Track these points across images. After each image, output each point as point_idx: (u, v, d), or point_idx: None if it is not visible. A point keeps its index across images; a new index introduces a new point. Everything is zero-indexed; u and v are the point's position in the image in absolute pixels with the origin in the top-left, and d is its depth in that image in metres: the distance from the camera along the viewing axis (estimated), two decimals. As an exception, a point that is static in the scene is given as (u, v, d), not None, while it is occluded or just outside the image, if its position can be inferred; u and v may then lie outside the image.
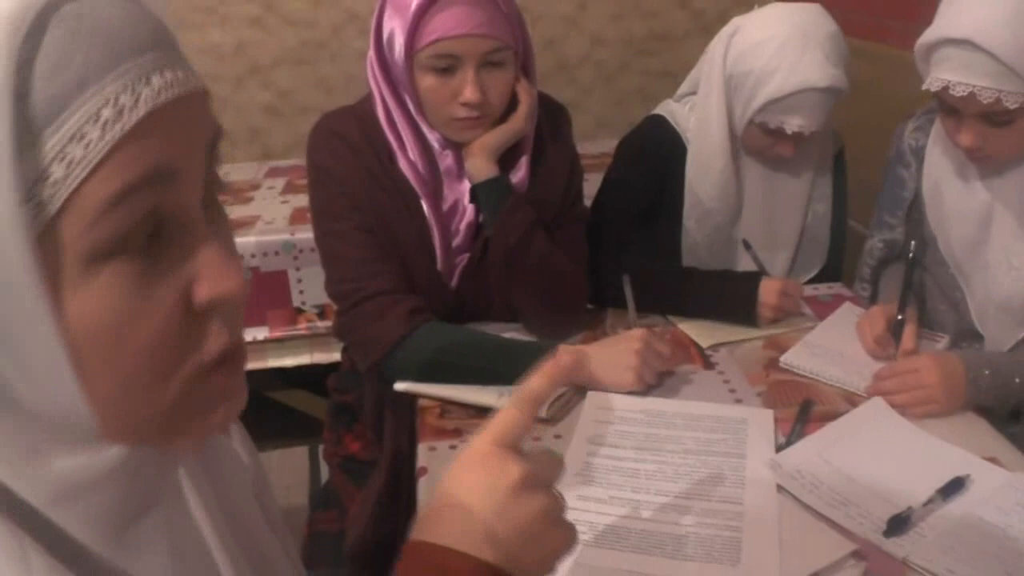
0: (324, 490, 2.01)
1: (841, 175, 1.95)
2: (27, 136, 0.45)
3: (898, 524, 1.15)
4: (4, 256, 0.45)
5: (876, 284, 1.80)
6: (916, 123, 1.71)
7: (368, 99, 1.60)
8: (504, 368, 1.47)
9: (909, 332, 1.54)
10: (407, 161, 1.57)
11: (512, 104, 1.58)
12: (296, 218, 2.41)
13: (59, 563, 0.50)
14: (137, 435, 0.54)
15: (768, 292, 1.70)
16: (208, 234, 0.54)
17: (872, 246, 1.80)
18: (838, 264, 1.99)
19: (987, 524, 1.16)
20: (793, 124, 1.67)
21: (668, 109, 1.92)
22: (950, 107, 1.45)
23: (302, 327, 2.37)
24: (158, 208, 0.50)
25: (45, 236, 0.46)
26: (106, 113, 0.47)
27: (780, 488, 1.24)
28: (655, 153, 1.88)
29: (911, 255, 1.59)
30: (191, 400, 0.55)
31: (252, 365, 2.34)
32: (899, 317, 1.56)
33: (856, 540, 1.14)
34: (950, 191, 1.60)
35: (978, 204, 1.55)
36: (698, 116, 1.83)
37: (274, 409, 2.38)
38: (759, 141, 1.77)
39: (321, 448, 1.98)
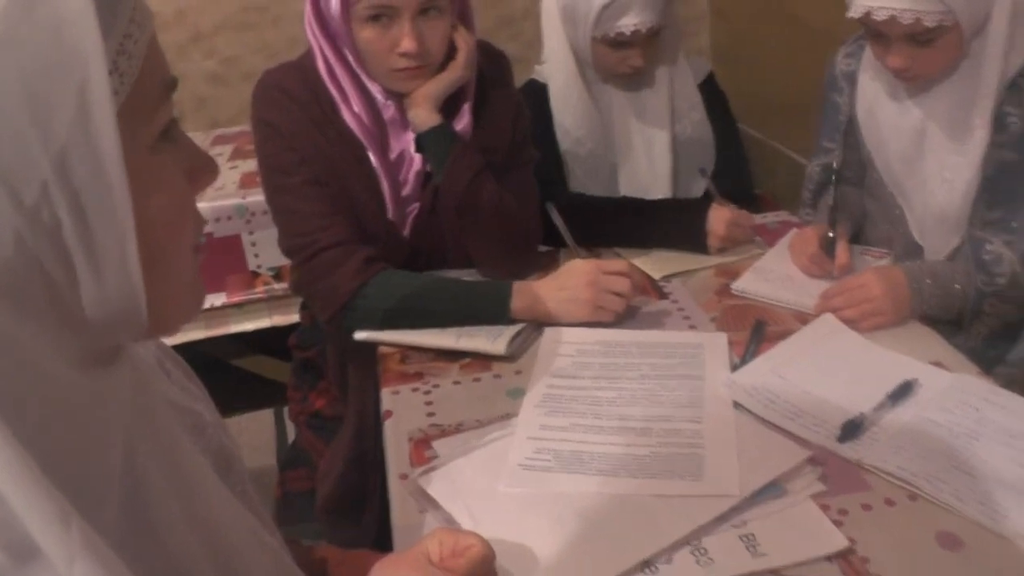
0: (292, 449, 2.03)
1: (715, 94, 2.10)
2: (108, 17, 0.51)
3: (851, 429, 1.19)
4: (95, 132, 0.50)
5: (817, 207, 1.84)
6: (847, 49, 1.75)
7: (309, 54, 1.59)
8: (462, 308, 1.49)
9: (843, 246, 1.59)
10: (351, 113, 1.56)
11: (451, 52, 1.58)
12: (246, 182, 2.40)
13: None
14: (170, 324, 0.62)
15: (717, 222, 1.73)
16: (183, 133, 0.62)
17: (811, 171, 1.84)
18: (740, 166, 2.13)
19: (934, 423, 1.20)
20: (629, 24, 1.77)
21: (536, 72, 2.04)
22: (876, 31, 1.49)
23: (259, 290, 2.36)
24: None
25: (122, 114, 0.52)
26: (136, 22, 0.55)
27: (737, 405, 1.27)
28: (535, 110, 1.94)
29: (835, 174, 1.69)
30: (196, 283, 0.63)
31: (213, 332, 2.34)
32: (830, 234, 1.61)
33: (811, 447, 1.17)
34: (884, 112, 1.64)
35: (912, 121, 1.59)
36: (547, 57, 1.96)
37: (237, 375, 2.39)
38: (608, 58, 1.86)
39: (286, 409, 1.99)
